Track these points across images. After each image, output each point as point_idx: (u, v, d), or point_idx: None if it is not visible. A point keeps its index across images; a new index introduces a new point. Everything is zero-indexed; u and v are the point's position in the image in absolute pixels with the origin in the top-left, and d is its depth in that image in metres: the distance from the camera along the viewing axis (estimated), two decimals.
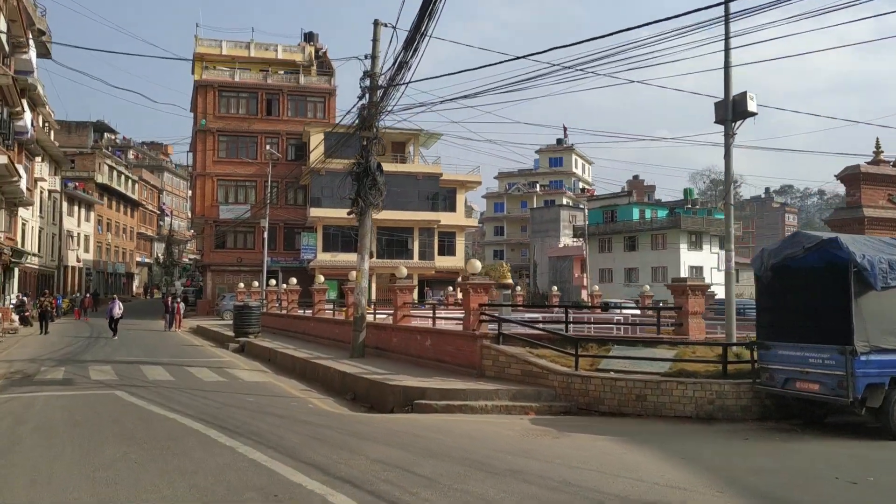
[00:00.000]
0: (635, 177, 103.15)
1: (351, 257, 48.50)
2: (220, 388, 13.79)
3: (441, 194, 48.68)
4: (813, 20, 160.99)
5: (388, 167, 46.82)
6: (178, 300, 35.09)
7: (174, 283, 70.02)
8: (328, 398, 13.25)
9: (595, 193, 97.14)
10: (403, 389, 11.80)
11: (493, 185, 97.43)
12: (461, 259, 51.84)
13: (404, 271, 22.44)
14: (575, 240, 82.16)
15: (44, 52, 45.02)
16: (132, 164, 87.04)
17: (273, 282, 37.25)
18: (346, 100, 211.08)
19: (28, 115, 37.27)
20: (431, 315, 16.64)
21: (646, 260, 61.39)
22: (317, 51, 55.81)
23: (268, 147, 50.34)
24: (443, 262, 50.02)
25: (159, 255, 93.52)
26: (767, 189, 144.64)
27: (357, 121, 17.78)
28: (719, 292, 61.77)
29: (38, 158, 48.38)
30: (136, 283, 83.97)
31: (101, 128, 79.50)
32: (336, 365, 15.50)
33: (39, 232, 51.81)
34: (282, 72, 52.85)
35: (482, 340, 13.06)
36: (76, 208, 63.56)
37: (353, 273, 21.75)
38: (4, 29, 27.76)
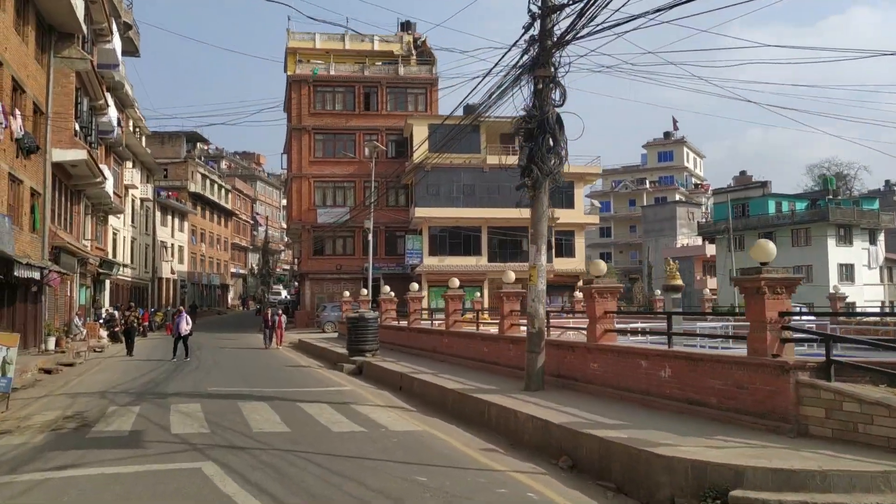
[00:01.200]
0: (742, 172, 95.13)
1: (461, 261, 43.78)
2: (360, 448, 9.00)
3: (556, 188, 43.25)
4: None
5: (493, 160, 41.96)
6: (279, 312, 30.82)
7: (280, 292, 66.96)
8: (535, 468, 8.22)
9: (710, 188, 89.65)
10: (692, 467, 6.67)
11: (596, 183, 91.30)
12: (581, 261, 46.33)
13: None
14: (694, 238, 75.22)
15: (131, 50, 42.18)
16: (225, 173, 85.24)
17: (387, 288, 32.76)
18: (449, 91, 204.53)
19: (113, 112, 34.11)
20: (666, 332, 11.04)
21: (787, 258, 54.16)
22: (415, 40, 51.47)
23: (372, 140, 46.24)
24: (561, 264, 44.64)
25: (254, 265, 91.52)
26: (887, 181, 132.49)
27: (523, 57, 12.73)
28: (869, 293, 54.12)
29: (129, 164, 45.68)
30: (230, 295, 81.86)
31: (193, 138, 77.58)
32: (517, 405, 10.53)
33: (132, 242, 49.22)
34: (379, 63, 48.72)
35: (796, 374, 7.77)
36: (169, 218, 61.27)
37: (510, 274, 17.03)
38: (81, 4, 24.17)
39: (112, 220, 42.36)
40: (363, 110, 47.19)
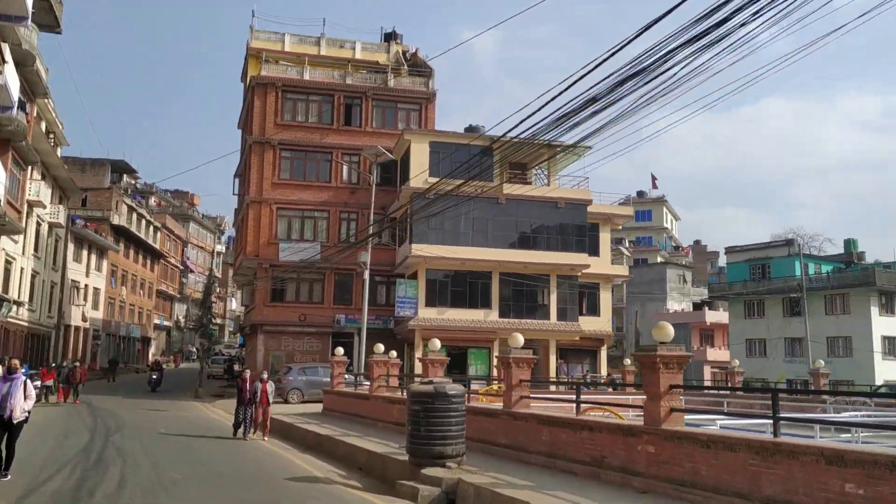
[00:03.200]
0: (696, 242, 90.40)
1: (465, 315, 34.63)
2: None
3: (574, 230, 34.95)
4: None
5: (515, 190, 33.40)
6: (264, 378, 20.48)
7: (231, 345, 55.83)
8: None
9: (689, 251, 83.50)
10: None
11: None
12: (607, 320, 37.79)
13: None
14: (686, 304, 67.97)
15: (50, 23, 32.29)
16: (154, 210, 74.25)
17: (381, 347, 23.49)
18: (448, 110, 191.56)
19: (13, 79, 24.26)
20: None
21: (820, 327, 46.90)
22: (404, 53, 43.16)
23: (351, 160, 37.23)
24: (585, 323, 35.97)
25: (180, 317, 79.91)
26: None
27: None
28: None
29: (37, 174, 35.27)
30: (151, 350, 69.98)
31: (120, 167, 66.69)
32: None
33: (32, 277, 38.25)
34: (364, 71, 40.01)
35: None
36: (85, 253, 50.19)
37: (517, 337, 10.41)
38: None
39: (6, 242, 31.70)
40: (343, 125, 38.19)
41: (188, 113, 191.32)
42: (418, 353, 32.49)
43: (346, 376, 24.73)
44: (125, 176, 69.73)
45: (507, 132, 14.01)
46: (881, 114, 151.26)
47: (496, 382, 26.24)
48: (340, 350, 23.82)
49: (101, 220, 53.52)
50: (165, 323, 74.87)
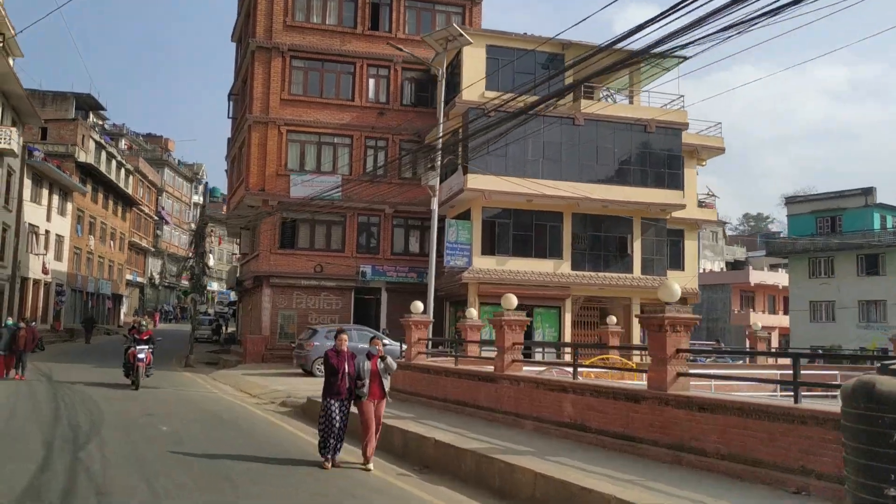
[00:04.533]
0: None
1: (531, 266, 27.62)
2: None
3: (665, 161, 27.99)
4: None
5: (595, 108, 26.31)
6: (378, 346, 12.34)
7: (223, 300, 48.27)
8: None
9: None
10: None
11: None
12: (693, 275, 31.12)
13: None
14: (718, 263, 61.82)
15: None
16: (124, 154, 65.88)
17: (420, 305, 16.77)
18: (498, 12, 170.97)
19: None
20: None
21: None
22: None
23: (380, 71, 29.96)
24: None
25: (154, 273, 72.15)
26: None
27: None
28: None
29: None
30: (123, 309, 62.27)
31: (86, 103, 58.15)
32: None
33: None
34: None
35: None
36: (45, 193, 42.24)
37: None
38: None
39: None
40: (368, 29, 30.59)
41: (164, 55, 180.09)
42: (471, 313, 25.59)
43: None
44: (91, 114, 61.21)
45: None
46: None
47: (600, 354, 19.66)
48: (419, 305, 16.81)
49: (65, 156, 45.44)
50: (139, 279, 67.04)
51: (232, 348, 36.10)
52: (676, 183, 27.68)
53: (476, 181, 25.66)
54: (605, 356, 20.04)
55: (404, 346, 17.86)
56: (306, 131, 29.89)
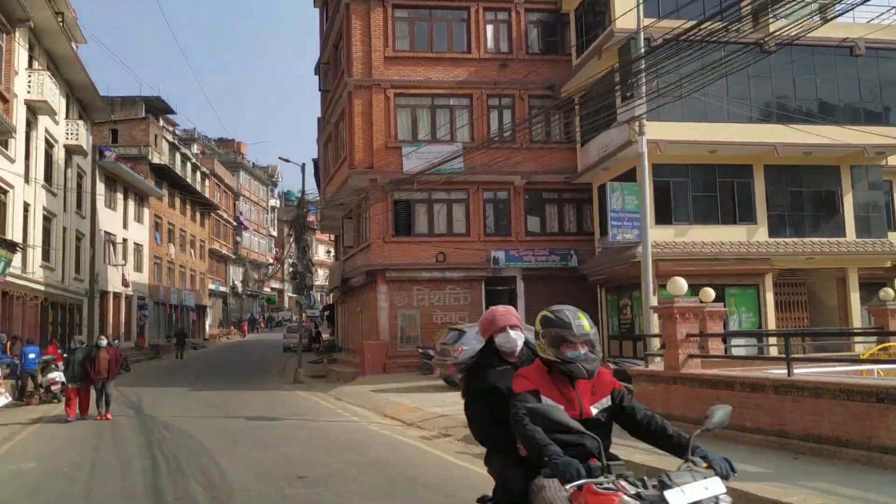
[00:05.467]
0: None
1: (718, 234, 21.55)
2: None
3: (878, 92, 21.92)
4: None
5: (785, 29, 20.41)
6: None
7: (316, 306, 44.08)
8: None
9: None
10: None
11: None
12: None
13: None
14: None
15: None
16: (199, 158, 62.61)
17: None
18: None
19: None
20: None
21: None
22: None
23: (502, 18, 24.83)
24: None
25: (236, 281, 68.88)
26: None
27: None
28: None
29: (37, 65, 23.41)
30: (208, 321, 58.87)
31: (155, 107, 54.62)
32: None
33: (46, 220, 26.65)
34: None
35: None
36: (120, 197, 38.53)
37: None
38: None
39: None
40: None
41: (230, 54, 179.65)
42: (888, 293, 20.11)
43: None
44: (160, 119, 57.93)
45: None
46: None
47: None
48: (710, 293, 11.67)
49: (138, 158, 41.74)
50: (221, 288, 63.66)
51: (336, 357, 31.49)
52: (894, 118, 21.59)
53: (648, 130, 20.11)
54: (885, 345, 14.40)
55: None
56: (417, 93, 24.90)
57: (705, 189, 21.38)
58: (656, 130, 20.05)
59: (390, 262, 24.41)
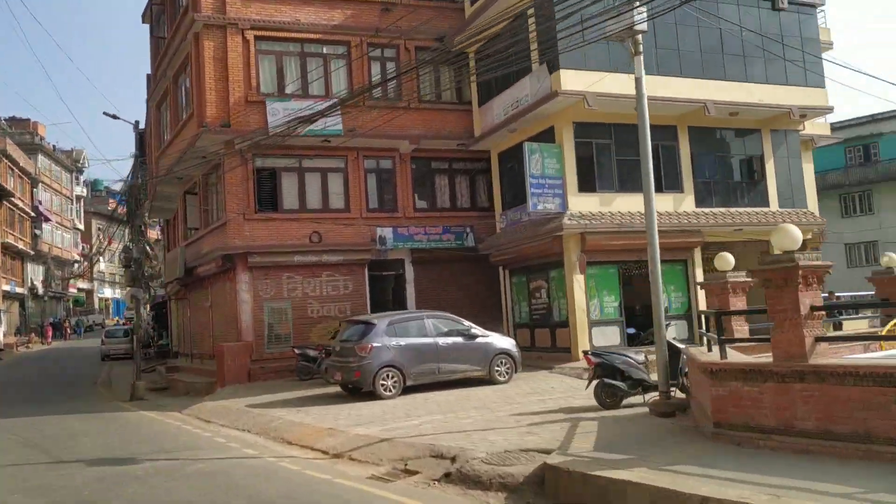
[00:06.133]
0: None
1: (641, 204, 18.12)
2: None
3: (787, 50, 20.41)
4: None
5: None
6: None
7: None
8: None
9: None
10: None
11: None
12: (811, 208, 23.77)
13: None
14: None
15: None
16: None
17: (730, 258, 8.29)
18: None
19: None
20: None
21: None
22: None
23: None
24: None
25: (35, 281, 59.55)
26: None
27: None
28: None
29: None
30: (2, 329, 49.74)
31: None
32: None
33: None
34: None
35: None
36: None
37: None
38: None
39: None
40: None
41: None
42: (577, 277, 17.25)
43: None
44: None
45: None
46: None
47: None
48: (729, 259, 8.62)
49: None
50: (18, 290, 54.37)
51: (178, 365, 26.13)
52: (817, 79, 20.10)
53: (571, 80, 17.10)
54: None
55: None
56: (283, 37, 20.42)
57: (630, 153, 18.70)
58: (584, 80, 17.12)
59: (254, 244, 19.81)
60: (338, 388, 15.54)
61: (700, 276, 18.93)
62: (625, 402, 11.13)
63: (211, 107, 19.48)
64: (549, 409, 11.52)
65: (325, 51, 20.91)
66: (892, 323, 12.06)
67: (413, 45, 21.36)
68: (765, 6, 19.58)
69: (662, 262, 18.47)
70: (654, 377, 11.15)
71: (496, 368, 15.23)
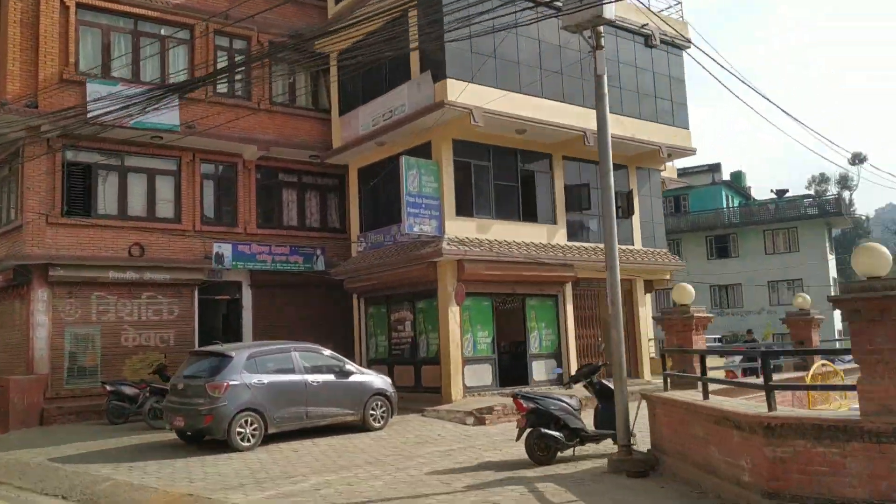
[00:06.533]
0: None
1: (520, 232, 16.49)
2: None
3: (667, 89, 20.47)
4: None
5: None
6: None
7: None
8: None
9: None
10: None
11: None
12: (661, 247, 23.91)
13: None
14: None
15: None
16: None
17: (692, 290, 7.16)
18: None
19: None
20: None
21: (761, 270, 38.42)
22: None
23: None
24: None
25: None
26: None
27: None
28: None
29: None
30: None
31: None
32: None
33: None
34: None
35: None
36: None
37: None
38: None
39: None
40: None
41: None
42: (453, 309, 15.49)
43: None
44: None
45: None
46: None
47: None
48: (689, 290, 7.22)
49: None
50: None
51: None
52: (683, 119, 20.18)
53: (460, 91, 15.49)
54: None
55: None
56: (113, 9, 17.06)
57: (507, 178, 17.47)
58: (474, 95, 15.61)
59: (57, 255, 16.07)
60: (167, 435, 12.53)
61: (571, 312, 17.96)
62: (559, 455, 9.44)
63: (13, 80, 15.69)
64: (467, 465, 9.55)
65: (163, 31, 17.78)
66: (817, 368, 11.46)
67: (267, 38, 18.79)
68: (639, 41, 19.32)
69: (533, 296, 17.48)
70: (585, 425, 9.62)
71: (370, 412, 12.99)
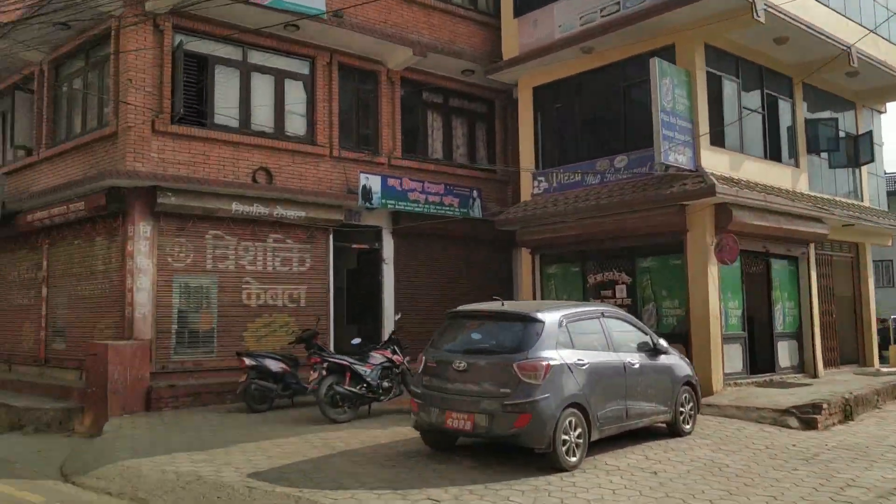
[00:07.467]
0: None
1: (772, 173, 12.00)
2: None
3: None
4: None
5: None
6: None
7: None
8: None
9: None
10: None
11: None
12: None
13: None
14: None
15: None
16: None
17: None
18: None
19: None
20: None
21: None
22: None
23: None
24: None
25: None
26: None
27: None
28: None
29: None
30: None
31: None
32: None
33: None
34: None
35: None
36: None
37: None
38: None
39: None
40: None
41: None
42: (711, 269, 11.44)
43: None
44: None
45: None
46: None
47: None
48: None
49: None
50: None
51: None
52: None
53: None
54: None
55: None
56: None
57: (751, 103, 13.40)
58: None
59: (168, 175, 11.55)
60: (366, 432, 8.40)
61: (815, 281, 14.05)
62: None
63: None
64: None
65: None
66: None
67: None
68: None
69: (777, 257, 13.52)
70: None
71: (681, 409, 8.90)
